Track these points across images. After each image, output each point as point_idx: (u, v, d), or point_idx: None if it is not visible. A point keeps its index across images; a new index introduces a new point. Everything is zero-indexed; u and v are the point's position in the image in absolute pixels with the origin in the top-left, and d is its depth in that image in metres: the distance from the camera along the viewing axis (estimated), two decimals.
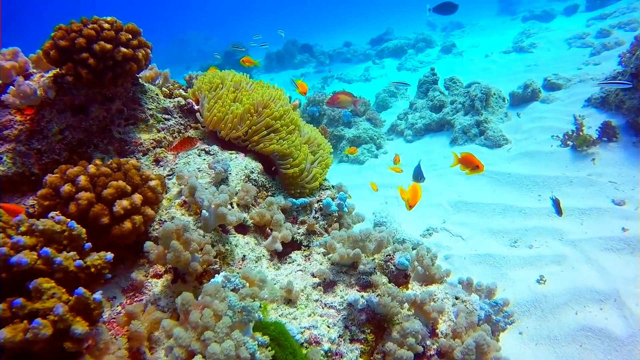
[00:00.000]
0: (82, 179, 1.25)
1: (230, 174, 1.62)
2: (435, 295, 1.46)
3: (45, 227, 1.07)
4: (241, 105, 1.77)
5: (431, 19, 16.00)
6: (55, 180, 1.26)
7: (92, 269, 1.11)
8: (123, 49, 1.58)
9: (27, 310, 0.95)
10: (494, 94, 5.24)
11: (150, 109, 1.83)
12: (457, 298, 1.48)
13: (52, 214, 1.16)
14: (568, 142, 3.88)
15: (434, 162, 4.74)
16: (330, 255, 1.47)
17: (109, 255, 1.14)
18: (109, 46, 1.55)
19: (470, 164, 2.38)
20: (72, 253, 1.08)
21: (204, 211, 1.28)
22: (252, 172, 1.71)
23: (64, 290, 1.02)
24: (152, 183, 1.36)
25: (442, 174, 4.43)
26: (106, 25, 1.58)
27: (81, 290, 1.00)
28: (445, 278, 1.60)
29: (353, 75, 10.65)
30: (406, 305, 1.31)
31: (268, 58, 13.15)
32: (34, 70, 1.79)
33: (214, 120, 1.77)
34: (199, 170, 1.64)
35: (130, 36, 1.63)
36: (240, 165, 1.70)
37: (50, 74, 1.71)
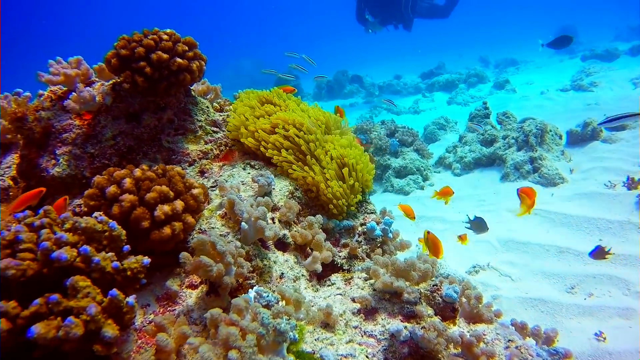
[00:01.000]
0: (127, 182, 1.25)
1: (274, 189, 1.58)
2: (484, 335, 1.33)
3: (87, 225, 1.06)
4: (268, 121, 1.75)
5: (484, 54, 15.83)
6: (102, 181, 1.27)
7: (129, 272, 1.09)
8: (178, 60, 1.62)
9: (62, 307, 0.93)
10: (550, 131, 5.00)
11: (199, 121, 1.85)
12: (510, 341, 1.34)
13: (95, 214, 1.16)
14: (633, 187, 3.60)
15: (482, 198, 4.53)
16: (373, 281, 1.38)
17: (146, 259, 1.11)
18: (165, 56, 1.58)
19: (529, 198, 2.22)
20: (110, 254, 1.06)
21: (243, 223, 1.24)
22: (297, 189, 1.67)
23: (99, 290, 1.00)
24: (195, 191, 1.35)
25: (491, 210, 4.22)
26: (165, 37, 1.62)
27: (115, 292, 0.97)
28: (495, 318, 1.46)
29: (402, 107, 10.59)
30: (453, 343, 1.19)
31: (318, 87, 13.37)
32: (96, 79, 1.87)
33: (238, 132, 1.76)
34: (243, 183, 1.62)
35: (186, 48, 1.66)
36: (284, 181, 1.67)
37: (110, 82, 1.77)
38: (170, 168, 1.41)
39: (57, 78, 1.70)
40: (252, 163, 1.74)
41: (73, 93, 1.66)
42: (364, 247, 1.70)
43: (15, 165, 1.86)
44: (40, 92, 1.78)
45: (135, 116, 1.74)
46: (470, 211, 4.19)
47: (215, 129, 1.89)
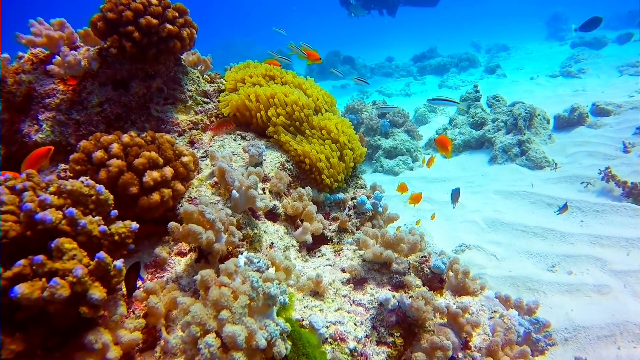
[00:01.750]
0: (115, 147, 1.22)
1: (265, 160, 1.57)
2: (470, 307, 1.35)
3: (73, 188, 1.04)
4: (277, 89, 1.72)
5: (475, 39, 15.79)
6: (89, 145, 1.24)
7: (116, 237, 1.07)
8: (168, 26, 1.57)
9: (47, 268, 0.91)
10: (539, 115, 5.04)
11: (190, 91, 1.81)
12: (494, 312, 1.37)
13: (82, 178, 1.14)
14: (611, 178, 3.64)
15: (470, 180, 4.57)
16: (362, 252, 1.38)
17: (135, 224, 1.09)
18: (155, 21, 1.53)
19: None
20: (97, 218, 1.04)
21: (234, 191, 1.23)
22: (288, 161, 1.65)
23: (85, 253, 0.98)
24: (185, 159, 1.32)
25: (478, 191, 4.27)
26: (154, 1, 1.57)
27: (102, 255, 0.95)
28: (480, 291, 1.48)
29: (393, 89, 10.56)
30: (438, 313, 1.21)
31: (309, 67, 13.23)
32: (81, 44, 1.81)
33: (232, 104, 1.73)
34: (233, 154, 1.60)
35: (177, 14, 1.61)
36: (276, 152, 1.65)
37: (97, 47, 1.72)
38: (160, 135, 1.38)
39: (39, 39, 1.64)
40: (243, 134, 1.71)
41: (57, 57, 1.61)
42: (353, 220, 1.70)
43: None
44: (20, 54, 1.71)
45: (123, 83, 1.69)
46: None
47: (206, 99, 1.85)
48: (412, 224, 3.55)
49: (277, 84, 1.87)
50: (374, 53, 16.87)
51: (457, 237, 3.51)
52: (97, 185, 1.09)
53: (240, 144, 1.67)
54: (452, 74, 11.00)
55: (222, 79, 2.61)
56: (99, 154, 1.20)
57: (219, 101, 1.89)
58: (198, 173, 1.53)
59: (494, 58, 12.60)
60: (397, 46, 18.99)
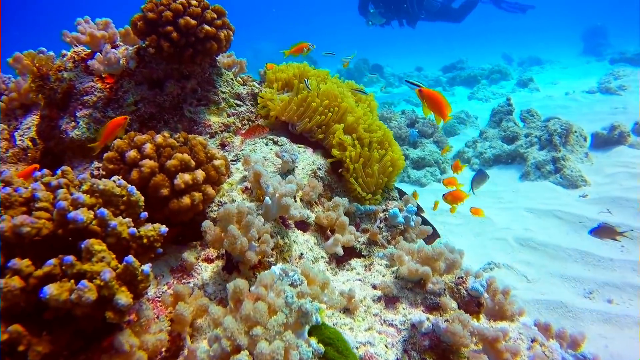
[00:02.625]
0: (148, 147, 1.20)
1: (297, 166, 1.53)
2: (508, 333, 1.27)
3: (105, 188, 1.02)
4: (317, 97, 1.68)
5: (507, 51, 15.49)
6: (123, 144, 1.22)
7: (145, 240, 1.04)
8: (206, 27, 1.55)
9: (76, 270, 0.89)
10: (575, 132, 4.86)
11: (223, 92, 1.79)
12: (534, 341, 1.28)
13: (114, 177, 1.12)
14: None
15: (500, 195, 4.44)
16: (396, 267, 1.32)
17: (164, 228, 1.07)
18: (193, 22, 1.52)
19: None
20: (127, 219, 1.02)
21: (267, 198, 1.19)
22: (320, 169, 1.61)
23: (113, 256, 0.95)
24: (217, 162, 1.30)
25: (509, 208, 4.13)
26: (194, 2, 1.56)
27: (131, 258, 0.93)
28: (518, 316, 1.40)
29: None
30: (475, 338, 1.14)
31: (338, 73, 13.26)
32: (120, 43, 1.81)
33: (283, 108, 1.70)
34: (265, 159, 1.57)
35: (215, 15, 1.60)
36: (308, 159, 1.61)
37: (135, 46, 1.72)
38: (193, 137, 1.36)
39: (83, 37, 1.65)
40: (276, 139, 1.68)
41: (98, 54, 1.61)
42: (384, 233, 1.65)
43: (35, 126, 1.83)
44: (64, 52, 1.73)
45: (158, 83, 1.68)
46: (487, 208, 4.11)
47: (238, 102, 1.83)
48: (441, 236, 3.45)
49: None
50: (403, 62, 16.75)
51: (486, 254, 3.39)
52: (129, 185, 1.06)
53: (272, 149, 1.63)
54: (483, 86, 10.80)
55: (254, 82, 2.60)
56: (132, 153, 1.18)
57: (251, 104, 1.86)
58: (229, 177, 1.50)
59: (527, 71, 12.31)
60: (427, 55, 18.81)
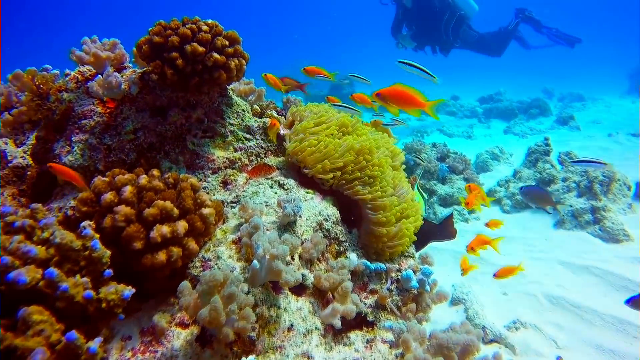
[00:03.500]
0: (128, 191, 1.06)
1: (300, 217, 1.35)
2: None
3: (62, 242, 0.87)
4: (338, 141, 1.52)
5: (548, 86, 15.03)
6: (101, 185, 1.08)
7: (103, 304, 0.89)
8: (215, 55, 1.42)
9: (5, 344, 0.74)
10: (619, 180, 4.51)
11: (232, 125, 1.65)
12: None
13: (83, 224, 0.98)
14: None
15: (531, 243, 4.12)
16: (399, 350, 1.12)
17: (127, 292, 0.91)
18: (201, 49, 1.39)
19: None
20: (84, 280, 0.87)
21: (255, 261, 1.02)
22: (327, 220, 1.43)
23: (58, 326, 0.80)
24: (206, 211, 1.14)
25: (540, 258, 3.81)
26: (205, 27, 1.43)
27: (73, 335, 0.77)
28: None
29: (455, 130, 10.12)
30: None
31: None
32: (129, 65, 1.71)
33: (299, 151, 1.54)
34: (266, 205, 1.40)
35: (226, 43, 1.47)
36: (314, 209, 1.43)
37: (140, 70, 1.61)
38: (185, 178, 1.21)
39: (86, 57, 1.55)
40: (282, 181, 1.52)
41: (99, 76, 1.51)
42: (395, 297, 1.45)
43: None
44: (67, 71, 1.64)
45: (161, 111, 1.56)
46: (517, 256, 3.82)
47: (248, 135, 1.69)
48: (463, 286, 3.20)
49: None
50: (441, 90, 16.46)
51: (512, 310, 3.09)
52: (93, 239, 0.92)
53: (277, 193, 1.47)
54: (520, 120, 10.44)
55: (274, 110, 2.46)
56: (108, 196, 1.04)
57: (261, 138, 1.72)
58: (224, 222, 1.35)
59: (567, 108, 11.85)
60: (463, 83, 18.43)
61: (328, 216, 1.44)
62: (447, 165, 5.08)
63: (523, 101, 11.82)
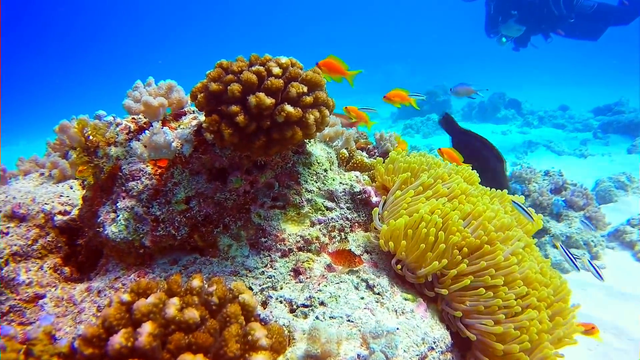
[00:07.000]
0: (146, 333, 0.71)
1: (395, 353, 0.92)
2: None
3: None
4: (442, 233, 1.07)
5: None
6: (113, 315, 0.75)
7: None
8: (288, 108, 1.05)
9: None
10: None
11: (309, 192, 1.27)
12: None
13: None
14: None
15: None
16: None
17: None
18: (268, 102, 1.02)
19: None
20: None
21: None
22: (433, 349, 0.98)
23: None
24: (257, 358, 0.76)
25: None
26: (276, 70, 1.06)
27: None
28: None
29: (565, 146, 8.89)
30: None
31: (469, 106, 12.17)
32: (191, 110, 1.41)
33: (394, 238, 1.11)
34: (348, 320, 0.99)
35: (304, 89, 1.09)
36: (417, 330, 0.99)
37: (195, 124, 1.29)
38: (236, 292, 0.85)
39: (135, 107, 1.27)
40: (371, 280, 1.10)
41: (145, 132, 1.21)
42: None
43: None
44: (118, 120, 1.38)
45: (221, 173, 1.23)
46: None
47: (330, 204, 1.29)
48: None
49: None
50: (546, 98, 14.79)
51: None
52: None
53: (363, 299, 1.05)
54: None
55: (365, 148, 2.05)
56: (117, 343, 0.70)
57: (347, 207, 1.31)
58: (290, 344, 0.96)
59: None
60: (575, 89, 16.40)
61: (435, 342, 0.99)
62: (564, 199, 4.27)
63: None
